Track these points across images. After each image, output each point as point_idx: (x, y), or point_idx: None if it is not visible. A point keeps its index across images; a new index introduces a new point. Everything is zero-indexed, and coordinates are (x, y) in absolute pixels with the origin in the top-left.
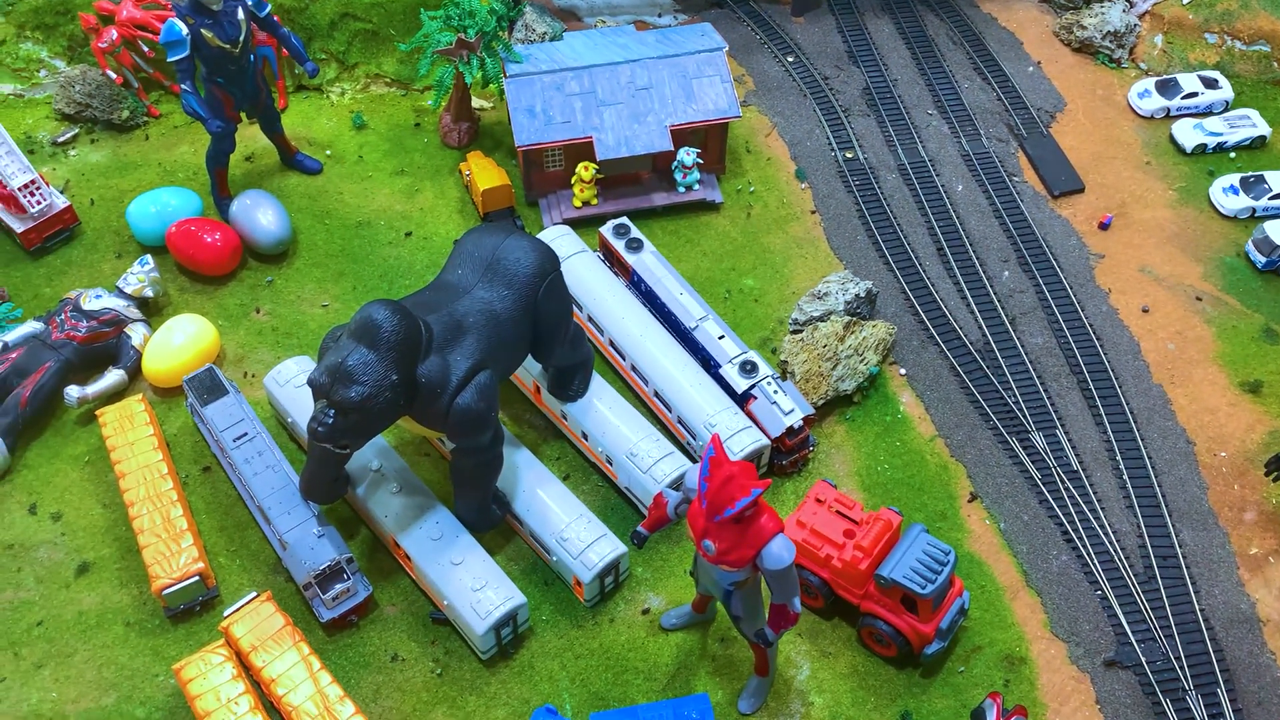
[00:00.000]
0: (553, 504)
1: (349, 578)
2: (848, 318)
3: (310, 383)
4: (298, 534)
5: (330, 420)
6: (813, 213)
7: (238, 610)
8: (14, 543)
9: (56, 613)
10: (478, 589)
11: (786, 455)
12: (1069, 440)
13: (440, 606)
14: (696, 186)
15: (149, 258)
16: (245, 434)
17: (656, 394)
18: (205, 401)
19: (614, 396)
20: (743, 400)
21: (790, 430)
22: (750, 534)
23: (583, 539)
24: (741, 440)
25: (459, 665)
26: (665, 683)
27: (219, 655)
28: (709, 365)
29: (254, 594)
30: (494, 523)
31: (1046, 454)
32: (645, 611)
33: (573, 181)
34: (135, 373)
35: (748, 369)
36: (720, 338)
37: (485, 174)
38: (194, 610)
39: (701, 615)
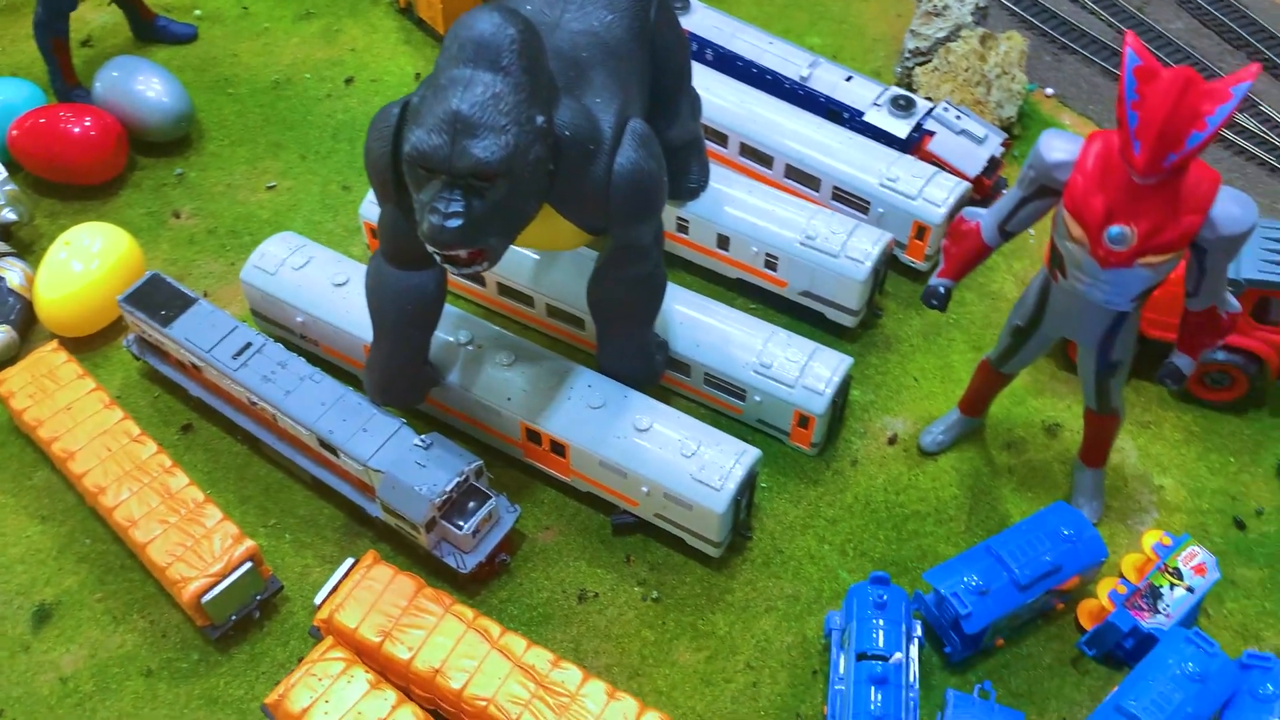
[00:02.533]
0: (734, 329)
1: (489, 496)
2: (980, 30)
3: (414, 153)
4: (391, 454)
5: (460, 206)
6: None
7: (337, 587)
8: None
9: (23, 691)
10: (691, 453)
11: (983, 203)
12: (1274, 110)
13: (627, 503)
14: None
15: None
16: (249, 344)
17: (791, 170)
18: (167, 319)
19: (745, 181)
20: (911, 145)
21: (991, 162)
22: (1186, 191)
23: (794, 359)
24: (934, 193)
25: (676, 580)
26: (966, 521)
27: (336, 661)
28: (842, 119)
29: (351, 560)
30: (660, 373)
31: (1266, 132)
32: (892, 440)
33: None
34: (26, 327)
35: (901, 105)
36: (848, 79)
37: None
38: (252, 618)
39: (974, 419)
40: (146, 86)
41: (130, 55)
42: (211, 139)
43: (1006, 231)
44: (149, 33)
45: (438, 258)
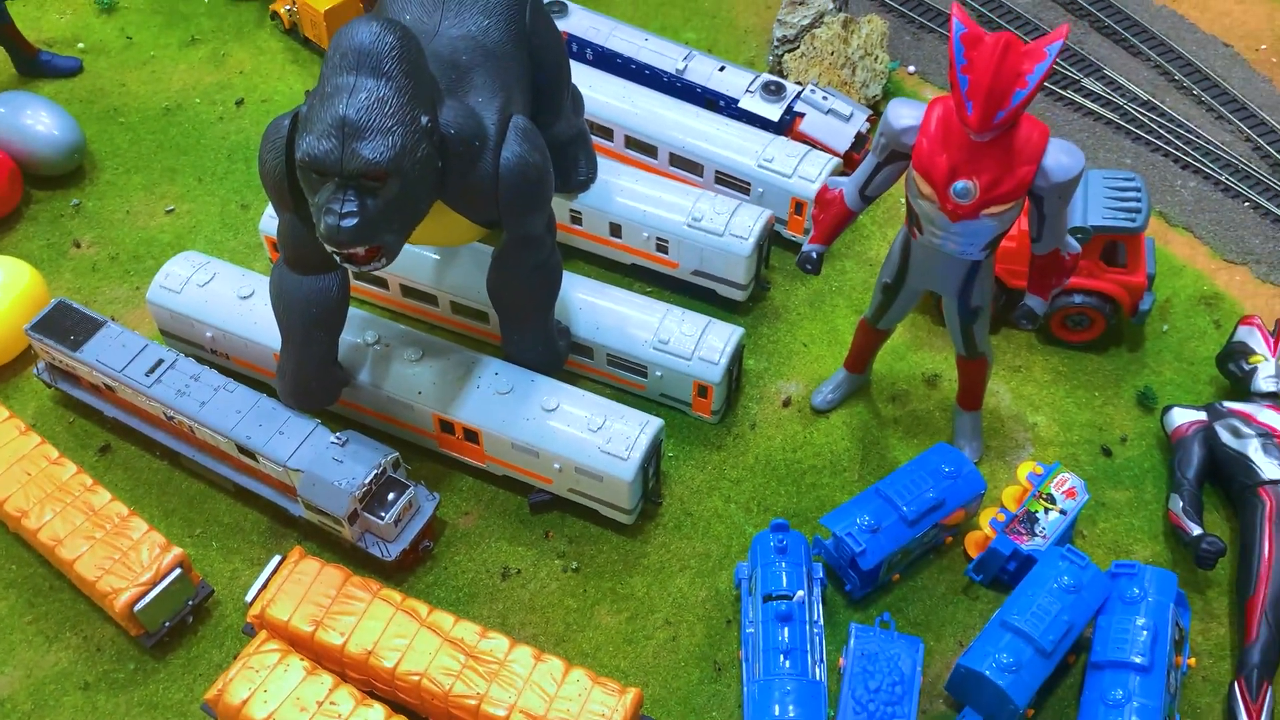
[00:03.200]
0: (631, 310)
1: (407, 485)
2: (843, 15)
3: (306, 159)
4: (309, 453)
5: (355, 205)
6: None
7: (267, 584)
8: None
9: None
10: (598, 428)
11: None
12: (1124, 77)
13: (542, 481)
14: None
15: None
16: (160, 361)
17: (675, 158)
18: (77, 344)
19: (632, 171)
20: (784, 128)
21: (858, 138)
22: (1019, 145)
23: (689, 334)
24: (808, 170)
25: (594, 549)
26: (858, 470)
27: (272, 653)
28: (719, 107)
29: (279, 558)
30: (564, 357)
31: (1110, 94)
32: (786, 403)
33: None
34: None
35: (772, 90)
36: (721, 69)
37: None
38: (185, 623)
39: (860, 376)
40: (35, 120)
41: (16, 91)
42: (106, 168)
43: (867, 196)
44: (33, 68)
45: (337, 257)
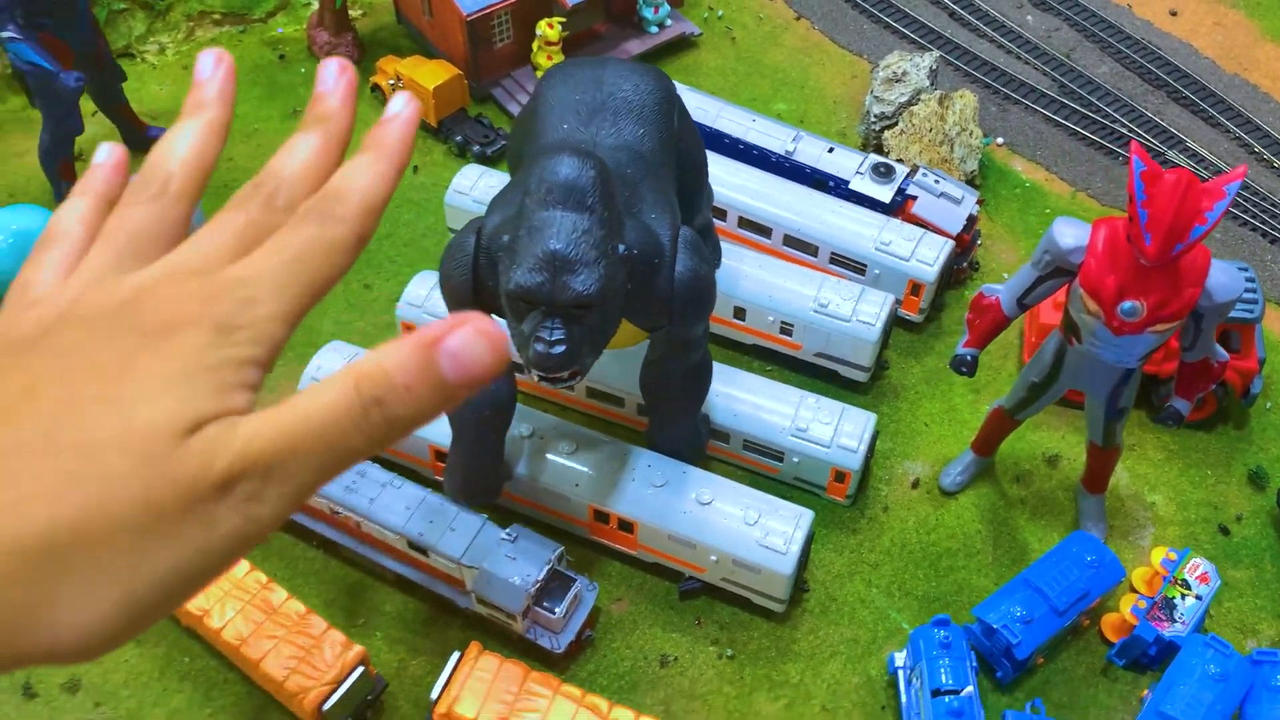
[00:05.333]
0: (766, 398)
1: (573, 579)
2: (939, 91)
3: (518, 290)
4: (481, 549)
5: (562, 334)
6: (798, 19)
7: (450, 680)
8: None
9: None
10: (753, 522)
11: (963, 256)
12: (1206, 149)
13: (695, 570)
14: (669, 23)
15: None
16: None
17: (788, 240)
18: None
19: (754, 256)
20: (894, 209)
21: (970, 220)
22: (1184, 267)
23: (826, 421)
24: (925, 253)
25: (746, 636)
26: (992, 553)
27: None
28: (828, 187)
29: (458, 654)
30: (705, 445)
31: (1195, 167)
32: (915, 484)
33: (535, 48)
34: None
35: (883, 172)
36: (830, 150)
37: (425, 71)
38: (363, 718)
39: (986, 458)
40: None
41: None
42: None
43: (1024, 305)
44: (143, 144)
45: (536, 377)
